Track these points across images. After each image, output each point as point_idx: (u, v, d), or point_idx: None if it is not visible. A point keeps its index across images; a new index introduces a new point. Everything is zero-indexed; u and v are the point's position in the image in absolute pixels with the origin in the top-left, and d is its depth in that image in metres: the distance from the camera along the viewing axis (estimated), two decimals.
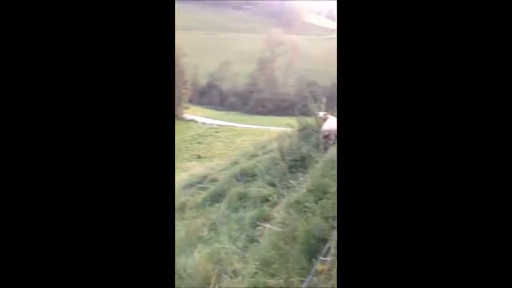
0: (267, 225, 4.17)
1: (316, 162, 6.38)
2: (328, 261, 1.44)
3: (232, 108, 42.79)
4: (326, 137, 7.22)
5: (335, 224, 3.69)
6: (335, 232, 3.35)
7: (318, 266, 1.46)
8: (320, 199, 4.41)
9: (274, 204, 5.46)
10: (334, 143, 7.07)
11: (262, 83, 45.30)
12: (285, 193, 5.79)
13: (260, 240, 4.23)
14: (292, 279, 2.84)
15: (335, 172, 5.09)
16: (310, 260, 3.17)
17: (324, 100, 9.08)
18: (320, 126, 7.64)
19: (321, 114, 8.03)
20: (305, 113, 9.62)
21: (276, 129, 17.39)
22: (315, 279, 2.48)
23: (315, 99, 9.72)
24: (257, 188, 6.07)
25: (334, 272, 1.52)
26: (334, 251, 1.59)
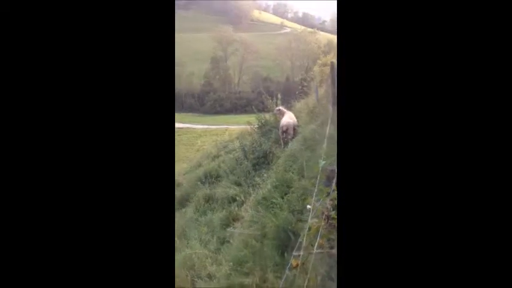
0: (236, 231, 4.22)
1: (278, 157, 6.53)
2: (301, 256, 1.51)
3: (189, 109, 42.17)
4: (285, 132, 7.40)
5: (302, 217, 3.83)
6: (304, 225, 3.48)
7: (292, 262, 1.53)
8: (285, 194, 4.54)
9: (242, 203, 5.53)
10: (293, 137, 7.27)
11: (217, 83, 45.09)
12: (251, 191, 5.88)
13: (231, 240, 4.28)
14: (267, 276, 2.92)
15: (297, 166, 5.24)
16: (282, 255, 3.27)
17: (279, 96, 9.26)
18: (278, 121, 7.82)
19: (276, 109, 8.22)
20: (263, 109, 9.78)
21: (236, 128, 17.40)
22: (290, 274, 2.58)
23: (271, 96, 9.91)
24: (223, 189, 6.10)
25: (308, 265, 1.61)
26: (306, 243, 1.67)
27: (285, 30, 60.16)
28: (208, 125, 33.29)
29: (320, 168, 1.62)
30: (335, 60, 8.42)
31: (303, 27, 54.84)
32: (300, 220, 3.81)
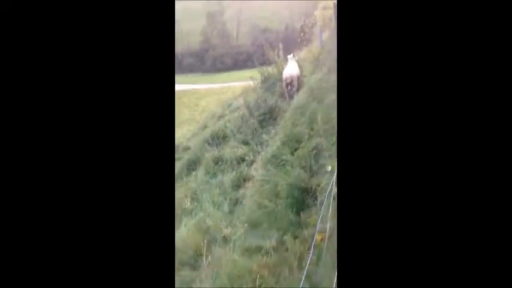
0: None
1: (285, 111, 6.30)
2: (327, 229, 1.38)
3: (190, 70, 41.15)
4: (289, 84, 7.10)
5: (314, 172, 3.69)
6: (319, 181, 3.33)
7: (317, 237, 1.40)
8: (295, 149, 4.38)
9: (251, 162, 5.41)
10: (298, 89, 6.98)
11: (215, 39, 43.64)
12: (260, 149, 5.73)
13: (244, 201, 4.19)
14: (284, 237, 2.82)
15: (305, 119, 5.04)
16: (297, 213, 3.17)
17: (281, 46, 8.83)
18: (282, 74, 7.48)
19: (290, 56, 7.79)
20: (264, 62, 9.37)
21: (239, 85, 17.01)
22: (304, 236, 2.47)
23: (272, 47, 9.47)
24: (231, 149, 5.96)
25: (333, 238, 1.49)
26: (325, 201, 1.52)
27: None
28: (210, 84, 32.67)
29: None
30: (332, 3, 7.86)
31: None
32: (313, 175, 3.67)
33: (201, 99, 27.27)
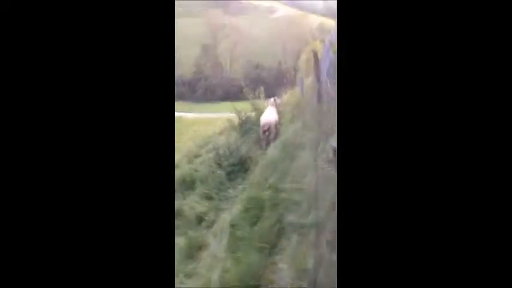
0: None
1: (257, 163, 5.65)
2: None
3: (180, 97, 40.86)
4: (266, 131, 6.53)
5: (273, 258, 2.98)
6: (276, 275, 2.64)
7: None
8: (258, 219, 3.69)
9: (212, 223, 4.68)
10: (275, 136, 6.41)
11: (208, 70, 43.86)
12: (225, 206, 5.03)
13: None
14: None
15: (274, 178, 4.39)
16: None
17: (262, 88, 8.37)
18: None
19: (270, 100, 7.31)
20: (253, 98, 8.95)
21: (226, 116, 16.73)
22: None
23: (261, 83, 9.05)
24: (192, 205, 5.22)
25: None
26: None
27: (276, 14, 58.38)
28: (200, 113, 32.27)
29: None
30: (320, 47, 7.46)
31: (294, 10, 53.28)
32: (272, 263, 2.95)
33: (189, 127, 26.76)
